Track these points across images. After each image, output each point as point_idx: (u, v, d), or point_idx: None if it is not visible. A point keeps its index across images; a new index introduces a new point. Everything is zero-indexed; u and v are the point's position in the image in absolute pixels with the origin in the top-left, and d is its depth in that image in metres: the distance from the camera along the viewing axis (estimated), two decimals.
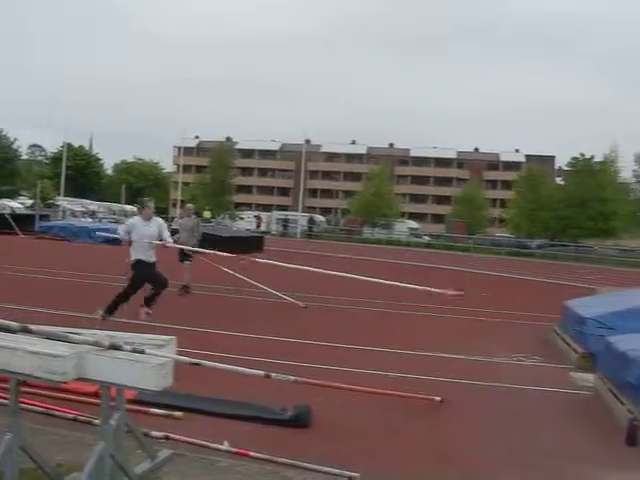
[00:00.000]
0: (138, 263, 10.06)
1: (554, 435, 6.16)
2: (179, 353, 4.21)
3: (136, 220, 10.44)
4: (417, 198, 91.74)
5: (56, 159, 76.52)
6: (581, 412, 7.04)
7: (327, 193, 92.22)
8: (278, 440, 5.31)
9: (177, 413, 5.66)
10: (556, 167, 79.19)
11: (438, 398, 6.72)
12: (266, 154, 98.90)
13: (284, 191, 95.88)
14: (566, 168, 59.92)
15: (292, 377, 4.90)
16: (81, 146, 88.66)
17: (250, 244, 29.97)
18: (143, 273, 10.05)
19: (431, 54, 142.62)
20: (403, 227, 60.71)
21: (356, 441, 5.53)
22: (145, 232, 10.11)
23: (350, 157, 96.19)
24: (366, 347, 9.41)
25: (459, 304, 13.11)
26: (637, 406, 6.17)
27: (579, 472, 5.19)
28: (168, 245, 10.52)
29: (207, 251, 12.70)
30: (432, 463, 5.20)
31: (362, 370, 7.86)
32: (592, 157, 55.88)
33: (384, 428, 5.96)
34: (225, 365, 4.45)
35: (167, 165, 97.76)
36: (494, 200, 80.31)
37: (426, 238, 57.61)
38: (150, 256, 10.15)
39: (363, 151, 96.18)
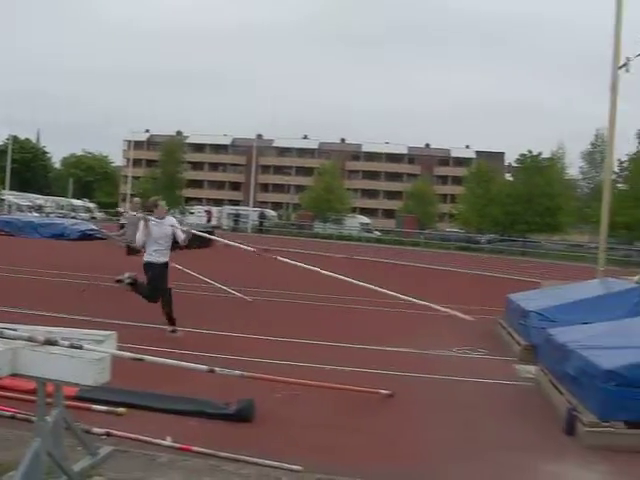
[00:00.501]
0: (148, 265, 9.49)
1: (497, 426, 6.28)
2: (122, 348, 4.18)
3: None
4: (368, 193, 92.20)
5: (1, 152, 74.88)
6: (523, 403, 7.18)
7: (279, 188, 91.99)
8: (222, 435, 5.30)
9: (120, 409, 5.60)
10: (506, 163, 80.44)
11: (385, 391, 6.77)
12: (217, 148, 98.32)
13: (235, 186, 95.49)
14: (515, 165, 60.99)
15: (237, 372, 4.88)
16: (27, 139, 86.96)
17: (200, 239, 29.81)
18: (151, 275, 9.48)
19: (381, 50, 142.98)
20: (354, 222, 61.04)
21: (301, 435, 5.54)
22: (158, 232, 9.49)
23: (302, 152, 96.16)
24: (314, 341, 9.43)
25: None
26: (575, 396, 6.32)
27: (519, 461, 5.30)
28: (192, 232, 10.29)
29: (231, 243, 12.17)
30: (377, 455, 5.24)
31: (309, 364, 7.89)
32: (540, 154, 56.98)
33: (330, 422, 5.98)
34: (168, 360, 4.41)
35: (117, 159, 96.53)
36: (444, 195, 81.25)
37: (377, 233, 58.01)
38: (160, 256, 9.52)
39: (315, 146, 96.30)
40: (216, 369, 4.28)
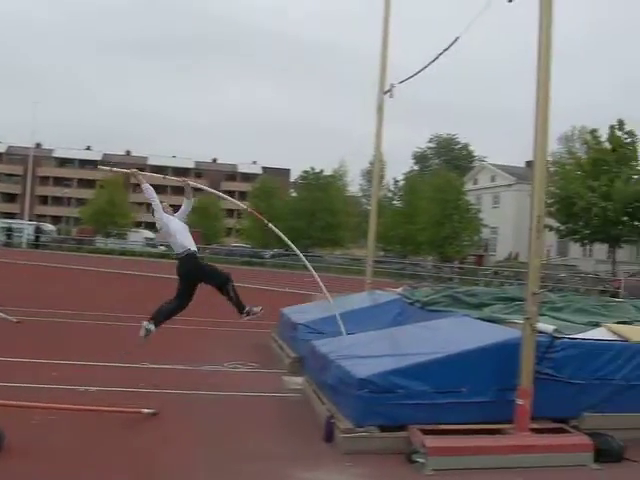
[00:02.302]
0: (196, 256, 8.54)
1: (260, 437, 6.37)
2: None
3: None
4: None
5: None
6: (288, 414, 7.34)
7: (58, 201, 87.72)
8: None
9: None
10: (292, 180, 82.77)
11: (148, 410, 6.63)
12: None
13: (11, 197, 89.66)
14: (300, 181, 63.04)
15: None
16: None
17: None
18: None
19: (169, 62, 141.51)
20: (138, 237, 59.58)
21: (51, 462, 5.25)
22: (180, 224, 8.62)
23: (84, 163, 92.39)
24: (82, 362, 9.00)
25: (181, 314, 13.04)
26: (335, 405, 6.59)
27: (276, 471, 5.43)
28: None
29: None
30: (128, 476, 5.10)
31: (72, 387, 7.52)
32: (322, 171, 59.26)
33: (85, 445, 5.74)
34: None
35: None
36: (231, 211, 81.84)
37: (162, 248, 56.94)
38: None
39: (98, 157, 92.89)
40: None
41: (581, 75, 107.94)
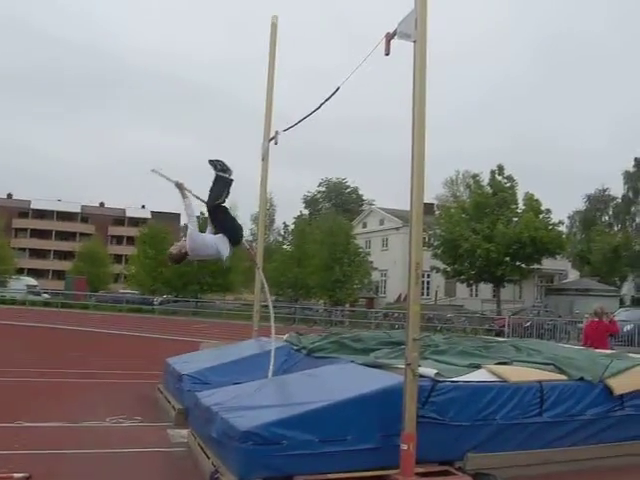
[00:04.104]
0: None
1: None
2: None
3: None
4: (38, 253, 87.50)
5: None
6: (173, 469, 7.11)
7: None
8: None
9: None
10: (182, 224, 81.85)
11: (20, 474, 6.23)
12: None
13: None
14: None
15: None
16: None
17: None
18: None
19: (55, 101, 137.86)
20: (19, 284, 57.03)
21: None
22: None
23: None
24: None
25: (62, 366, 12.52)
26: (219, 458, 6.43)
27: None
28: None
29: None
30: None
31: None
32: None
33: None
34: None
35: None
36: (120, 256, 79.91)
37: (45, 296, 54.75)
38: None
39: None
40: None
41: (479, 123, 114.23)
